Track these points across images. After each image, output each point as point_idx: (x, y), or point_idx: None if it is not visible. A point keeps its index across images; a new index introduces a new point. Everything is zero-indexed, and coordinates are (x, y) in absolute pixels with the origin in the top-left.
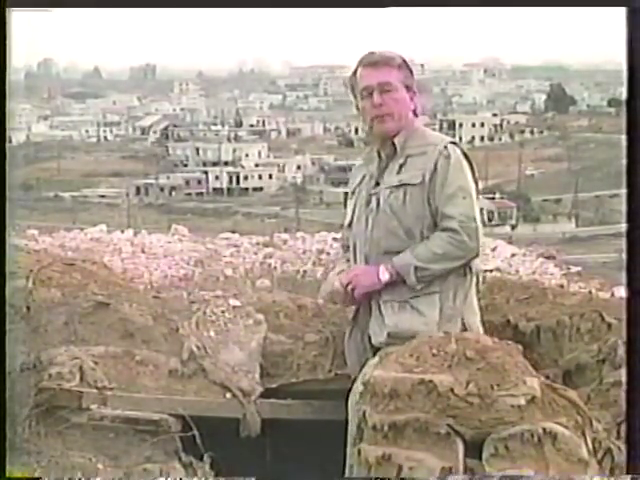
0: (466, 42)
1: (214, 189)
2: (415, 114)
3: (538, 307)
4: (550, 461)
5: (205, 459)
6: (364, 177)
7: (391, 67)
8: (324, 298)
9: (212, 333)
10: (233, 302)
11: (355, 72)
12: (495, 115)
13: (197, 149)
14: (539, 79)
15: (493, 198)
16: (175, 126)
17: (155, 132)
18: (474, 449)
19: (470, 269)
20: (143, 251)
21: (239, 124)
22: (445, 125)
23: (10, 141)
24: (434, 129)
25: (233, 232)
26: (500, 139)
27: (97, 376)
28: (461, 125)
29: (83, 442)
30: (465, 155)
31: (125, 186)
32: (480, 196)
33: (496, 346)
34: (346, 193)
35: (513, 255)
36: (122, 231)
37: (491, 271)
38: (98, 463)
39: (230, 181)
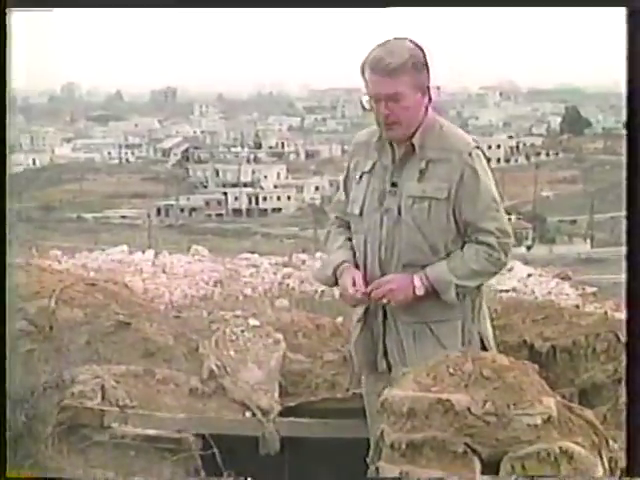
0: (482, 65)
1: (233, 210)
2: (428, 105)
3: (554, 327)
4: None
5: (225, 477)
6: (375, 165)
7: (400, 74)
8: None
9: (232, 352)
10: (252, 322)
11: (363, 70)
12: (511, 137)
13: (217, 171)
14: (554, 102)
15: (509, 219)
16: (195, 148)
17: (176, 154)
18: (491, 468)
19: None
20: (164, 271)
21: (258, 146)
22: None
23: (34, 163)
24: None
25: (252, 252)
26: (516, 161)
27: (118, 395)
28: None
29: (105, 460)
30: (487, 159)
31: (146, 207)
32: None
33: (512, 366)
34: None
35: (529, 275)
36: (143, 252)
37: (507, 291)
38: None
39: (249, 202)
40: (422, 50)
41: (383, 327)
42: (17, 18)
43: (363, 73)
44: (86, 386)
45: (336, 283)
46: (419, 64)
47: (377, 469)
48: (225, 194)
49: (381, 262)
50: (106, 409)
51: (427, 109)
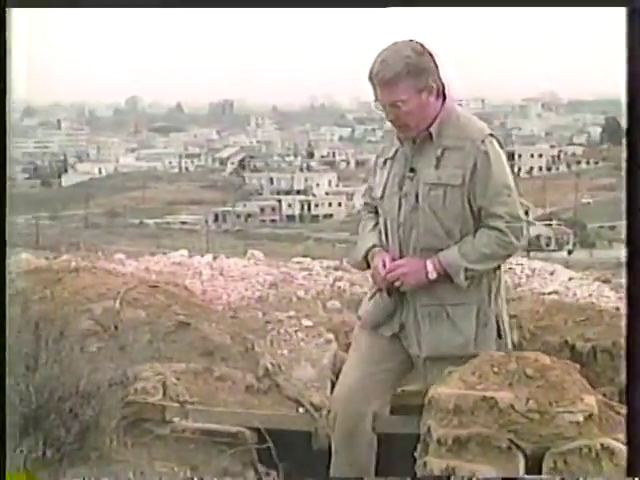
0: (524, 78)
1: (287, 216)
2: (444, 99)
3: (595, 328)
4: (607, 475)
5: (279, 470)
6: (397, 152)
7: (397, 83)
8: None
9: (286, 351)
10: (305, 322)
11: (370, 79)
12: (553, 147)
13: (271, 179)
14: (594, 113)
15: (550, 225)
16: (251, 157)
17: (232, 163)
18: (534, 463)
19: (499, 266)
20: (221, 274)
21: (311, 155)
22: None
23: (100, 172)
24: None
25: (305, 256)
26: (557, 169)
27: (179, 391)
28: (520, 156)
29: (166, 453)
30: (501, 146)
31: (204, 213)
32: (538, 222)
33: (555, 365)
34: None
35: (570, 279)
36: (202, 255)
37: (550, 294)
38: (180, 472)
39: (302, 208)
40: (422, 53)
41: (402, 302)
42: (83, 34)
43: (370, 80)
44: (148, 383)
45: (368, 266)
46: (417, 69)
47: (424, 463)
48: (279, 201)
49: (400, 244)
50: (167, 404)
51: (443, 102)
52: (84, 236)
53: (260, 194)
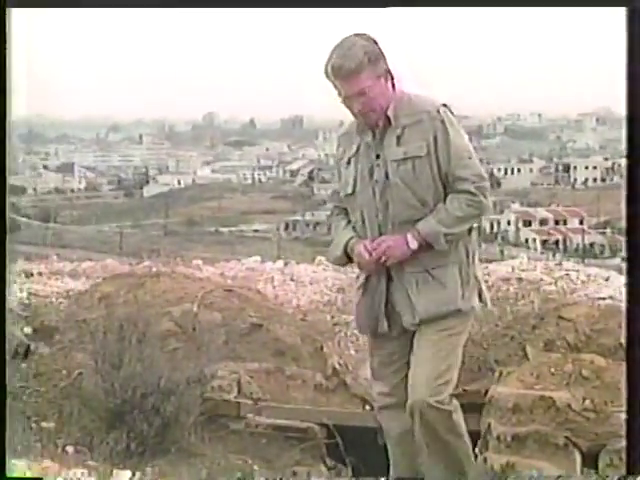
0: (580, 94)
1: None
2: (393, 84)
3: None
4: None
5: (347, 463)
6: (359, 147)
7: (360, 73)
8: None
9: (353, 352)
10: None
11: (328, 74)
12: (606, 159)
13: None
14: None
15: (604, 233)
16: (319, 169)
17: (302, 175)
18: (590, 460)
19: (471, 229)
20: (292, 279)
21: None
22: (561, 168)
23: (179, 183)
24: (550, 172)
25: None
26: (611, 180)
27: (253, 389)
28: (575, 168)
29: (240, 446)
30: (453, 114)
31: (276, 222)
32: (592, 231)
33: (610, 366)
34: None
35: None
36: (274, 261)
37: (604, 299)
38: (254, 465)
39: None
40: (374, 42)
41: (387, 290)
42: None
43: (328, 77)
44: (224, 381)
45: (349, 260)
46: (374, 56)
47: (485, 459)
48: None
49: (380, 227)
50: (242, 401)
51: (394, 86)
52: (164, 243)
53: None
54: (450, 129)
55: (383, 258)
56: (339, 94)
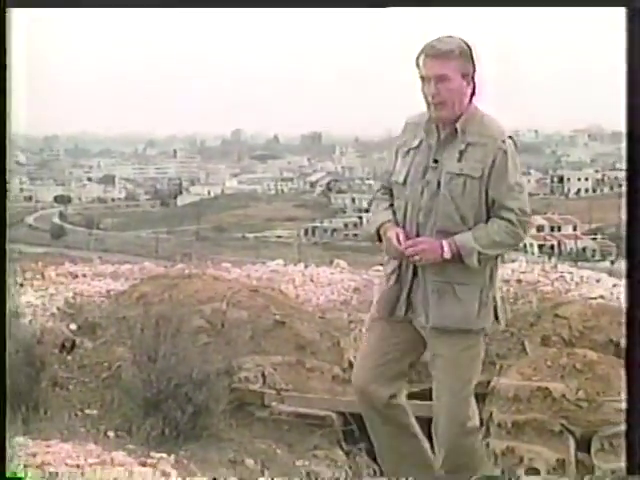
0: (573, 112)
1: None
2: (472, 97)
3: None
4: None
5: (362, 448)
6: (421, 143)
7: (449, 59)
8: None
9: None
10: None
11: (418, 58)
12: (597, 171)
13: (353, 199)
14: None
15: (595, 238)
16: (336, 181)
17: (321, 186)
18: (584, 444)
19: (498, 256)
20: (311, 280)
21: None
22: (555, 179)
23: (209, 193)
24: (546, 183)
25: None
26: (602, 191)
27: (276, 380)
28: (569, 179)
29: (265, 432)
30: (517, 148)
31: (297, 228)
32: (584, 237)
33: (601, 360)
34: None
35: (614, 285)
36: (295, 264)
37: (596, 298)
38: (277, 449)
39: None
40: (471, 48)
41: (411, 282)
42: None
43: (418, 61)
44: (250, 373)
45: (379, 239)
46: (466, 54)
47: (487, 444)
48: (360, 218)
49: (418, 226)
50: (266, 391)
51: (471, 99)
52: (196, 248)
53: (344, 212)
54: (510, 162)
55: (416, 257)
56: (420, 77)
